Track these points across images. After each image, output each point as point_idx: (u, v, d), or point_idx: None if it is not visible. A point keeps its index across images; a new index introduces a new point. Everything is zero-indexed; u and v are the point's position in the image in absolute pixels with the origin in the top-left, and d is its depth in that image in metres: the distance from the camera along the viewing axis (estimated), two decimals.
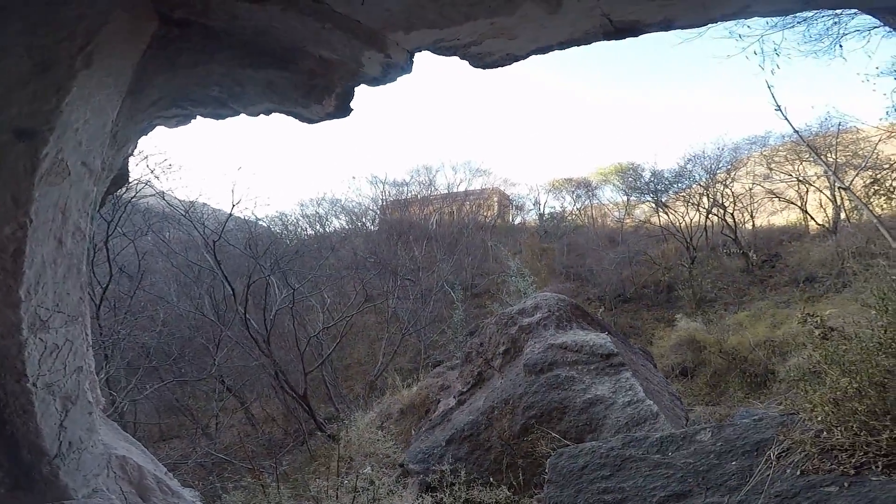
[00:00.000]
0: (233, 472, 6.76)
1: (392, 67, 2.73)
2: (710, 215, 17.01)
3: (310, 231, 22.57)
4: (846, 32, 6.39)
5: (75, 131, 1.46)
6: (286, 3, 2.07)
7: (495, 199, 24.93)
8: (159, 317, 9.61)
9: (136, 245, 9.57)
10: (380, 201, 25.12)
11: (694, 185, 17.78)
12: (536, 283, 13.84)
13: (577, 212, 23.81)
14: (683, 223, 17.20)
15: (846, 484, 1.66)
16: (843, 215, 14.56)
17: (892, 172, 9.11)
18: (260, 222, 14.74)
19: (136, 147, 2.80)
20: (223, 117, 2.93)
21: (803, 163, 15.60)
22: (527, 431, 4.69)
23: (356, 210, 24.68)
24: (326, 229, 23.30)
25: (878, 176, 8.70)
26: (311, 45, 2.39)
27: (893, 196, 6.60)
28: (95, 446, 1.64)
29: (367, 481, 3.81)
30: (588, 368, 5.14)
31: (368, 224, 24.66)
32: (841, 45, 6.48)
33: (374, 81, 2.82)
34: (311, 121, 3.05)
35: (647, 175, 19.76)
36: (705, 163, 17.40)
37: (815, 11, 5.81)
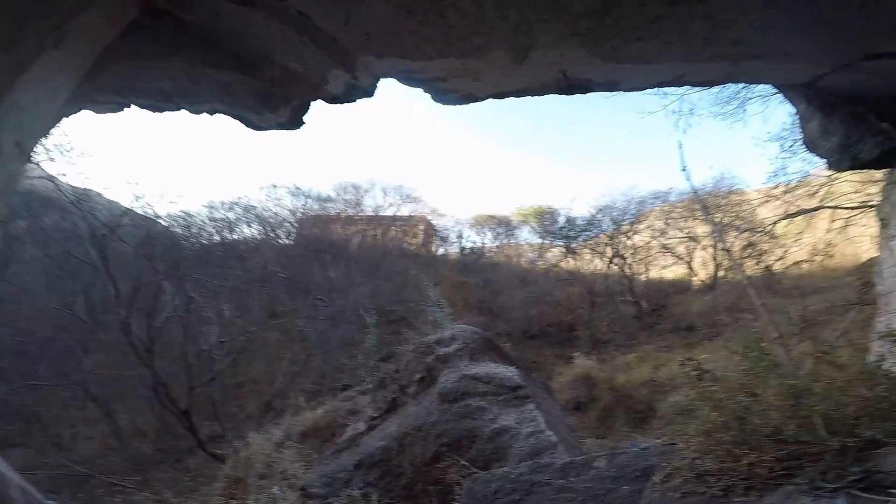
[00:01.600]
0: (95, 488, 6.01)
1: (356, 89, 2.79)
2: (611, 264, 18.73)
3: (216, 237, 20.96)
4: (752, 97, 7.49)
5: (21, 110, 1.32)
6: (271, 9, 2.07)
7: (422, 227, 25.20)
8: (23, 312, 8.34)
9: (5, 228, 8.29)
10: (299, 214, 24.12)
11: (601, 234, 19.47)
12: (452, 314, 14.13)
13: (495, 249, 24.86)
14: (588, 269, 18.77)
15: None
16: (721, 273, 16.79)
17: (763, 236, 10.60)
18: (160, 221, 13.48)
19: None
20: (162, 111, 2.80)
21: (696, 220, 17.73)
22: (438, 459, 4.76)
23: (271, 220, 23.39)
24: (235, 237, 21.79)
25: (753, 239, 10.04)
26: (281, 55, 2.39)
27: (761, 260, 7.81)
28: None
29: (269, 500, 3.58)
30: (497, 399, 5.37)
31: (283, 237, 23.49)
32: (745, 109, 7.56)
33: (335, 100, 2.85)
34: (259, 128, 3.00)
35: (561, 220, 21.31)
36: (614, 213, 19.13)
37: None
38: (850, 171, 4.87)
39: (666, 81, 2.57)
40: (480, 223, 25.13)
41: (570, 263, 19.71)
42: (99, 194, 10.70)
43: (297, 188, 23.78)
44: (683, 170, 5.93)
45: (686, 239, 18.17)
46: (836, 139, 2.83)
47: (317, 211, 24.35)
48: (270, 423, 8.87)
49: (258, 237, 22.43)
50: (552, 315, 17.49)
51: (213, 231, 21.12)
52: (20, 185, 8.36)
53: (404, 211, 25.44)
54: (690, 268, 18.37)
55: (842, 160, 2.97)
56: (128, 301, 8.77)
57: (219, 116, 3.05)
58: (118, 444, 9.49)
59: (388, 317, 17.21)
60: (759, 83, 3.24)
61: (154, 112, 2.80)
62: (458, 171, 52.86)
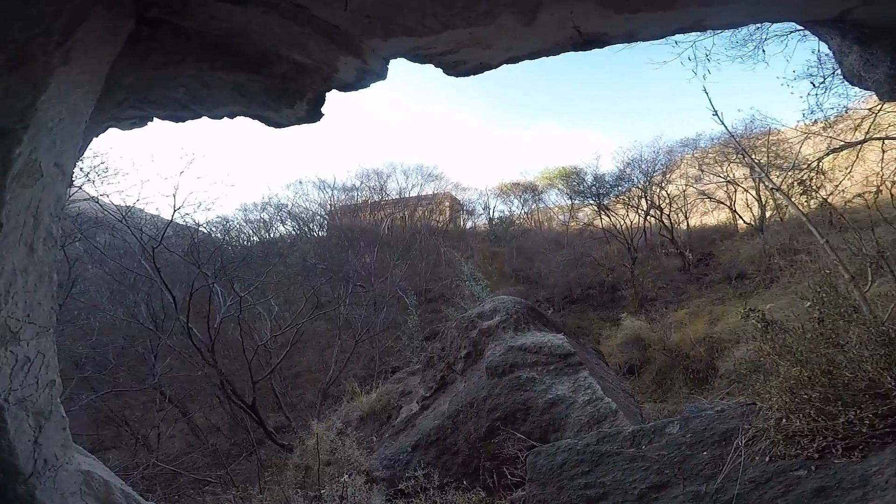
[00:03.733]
0: (183, 484, 6.44)
1: (367, 73, 2.73)
2: (648, 217, 18.06)
3: (254, 237, 21.71)
4: (767, 37, 7.00)
5: (49, 130, 1.33)
6: (267, 5, 2.04)
7: (447, 203, 25.13)
8: (94, 326, 8.90)
9: (65, 251, 8.80)
10: (328, 206, 24.57)
11: (633, 188, 18.77)
12: (489, 286, 14.09)
13: (524, 216, 24.51)
14: (624, 225, 18.14)
15: (813, 468, 1.84)
16: (768, 214, 15.91)
17: (811, 172, 10.07)
18: (201, 228, 14.04)
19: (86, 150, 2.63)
20: (183, 120, 2.82)
21: (731, 164, 16.77)
22: (492, 433, 4.77)
23: (303, 215, 24.00)
24: (272, 235, 22.51)
25: (804, 177, 9.60)
26: (286, 49, 2.35)
27: (815, 195, 7.36)
28: (70, 463, 1.51)
29: (345, 489, 3.72)
30: (548, 369, 5.30)
31: (317, 230, 24.05)
32: (763, 50, 7.10)
33: (348, 87, 2.81)
34: (279, 125, 2.99)
35: (589, 179, 20.65)
36: (643, 166, 18.37)
37: None
38: None
39: (685, 28, 2.38)
40: (506, 192, 24.78)
41: (604, 221, 19.13)
42: (141, 210, 11.16)
43: (322, 181, 24.23)
44: (715, 114, 5.59)
45: (724, 183, 17.22)
46: (884, 70, 2.57)
47: (344, 201, 24.72)
48: (329, 410, 9.22)
49: (293, 233, 23.10)
50: (592, 276, 17.11)
51: (251, 232, 21.92)
52: (69, 209, 8.78)
53: (428, 190, 25.46)
54: (734, 211, 17.47)
55: (894, 90, 2.70)
56: (185, 306, 9.18)
57: (238, 120, 3.04)
58: (197, 442, 10.16)
59: (426, 295, 17.41)
60: (784, 21, 2.97)
61: (176, 122, 2.82)
62: (475, 143, 52.08)
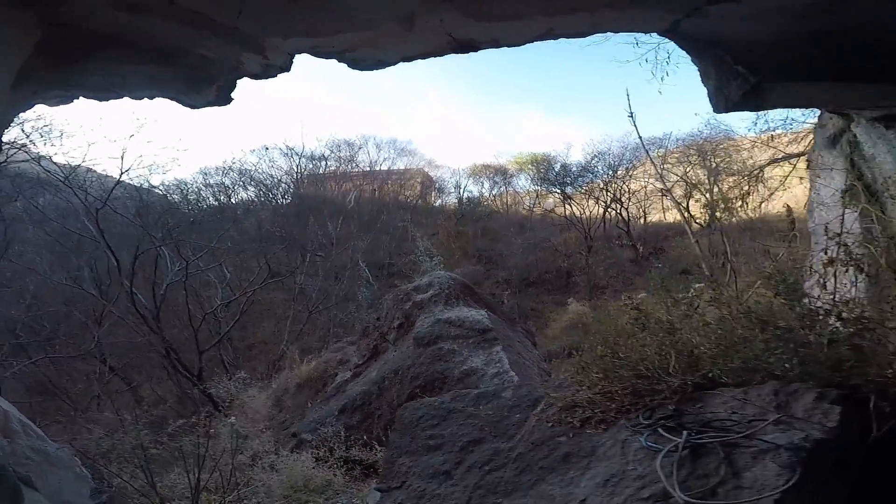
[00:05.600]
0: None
1: (271, 67, 2.96)
2: (608, 209, 18.62)
3: (213, 201, 21.12)
4: None
5: None
6: (163, 13, 2.22)
7: (419, 179, 25.13)
8: (29, 289, 8.70)
9: (2, 212, 8.54)
10: (294, 174, 24.12)
11: (597, 180, 19.27)
12: (447, 263, 14.35)
13: (493, 198, 24.80)
14: (585, 214, 18.67)
15: (571, 435, 2.21)
16: (716, 215, 16.62)
17: (752, 180, 10.73)
18: (155, 190, 13.65)
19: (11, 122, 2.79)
20: (106, 100, 3.00)
21: (692, 165, 17.50)
22: (412, 399, 5.10)
23: (267, 182, 23.46)
24: (233, 200, 21.99)
25: (735, 183, 10.14)
26: (191, 46, 2.54)
27: (738, 206, 7.89)
28: None
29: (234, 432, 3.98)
30: (467, 342, 5.67)
31: (280, 197, 23.62)
32: None
33: (256, 76, 3.04)
34: (193, 107, 3.20)
35: (557, 168, 21.07)
36: (609, 159, 18.92)
37: None
38: (728, 113, 4.93)
39: (539, 36, 2.68)
40: (477, 173, 24.94)
41: (567, 210, 19.62)
42: (89, 170, 10.74)
43: (290, 148, 23.65)
44: (630, 115, 5.92)
45: (682, 183, 17.88)
46: (713, 82, 2.92)
47: (311, 170, 24.35)
48: (274, 379, 9.34)
49: (255, 199, 22.67)
50: (550, 261, 17.64)
51: (209, 196, 21.37)
52: (8, 169, 8.44)
53: (400, 165, 25.33)
54: (688, 211, 18.19)
55: (718, 103, 3.08)
56: (129, 270, 8.96)
57: (158, 99, 3.24)
58: (142, 413, 10.00)
59: (388, 269, 17.57)
60: (623, 31, 3.25)
61: (100, 101, 3.02)
62: (453, 122, 51.66)
